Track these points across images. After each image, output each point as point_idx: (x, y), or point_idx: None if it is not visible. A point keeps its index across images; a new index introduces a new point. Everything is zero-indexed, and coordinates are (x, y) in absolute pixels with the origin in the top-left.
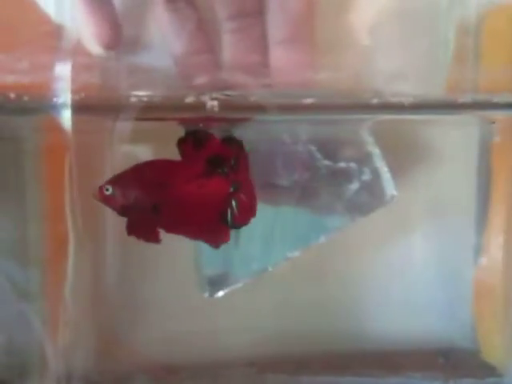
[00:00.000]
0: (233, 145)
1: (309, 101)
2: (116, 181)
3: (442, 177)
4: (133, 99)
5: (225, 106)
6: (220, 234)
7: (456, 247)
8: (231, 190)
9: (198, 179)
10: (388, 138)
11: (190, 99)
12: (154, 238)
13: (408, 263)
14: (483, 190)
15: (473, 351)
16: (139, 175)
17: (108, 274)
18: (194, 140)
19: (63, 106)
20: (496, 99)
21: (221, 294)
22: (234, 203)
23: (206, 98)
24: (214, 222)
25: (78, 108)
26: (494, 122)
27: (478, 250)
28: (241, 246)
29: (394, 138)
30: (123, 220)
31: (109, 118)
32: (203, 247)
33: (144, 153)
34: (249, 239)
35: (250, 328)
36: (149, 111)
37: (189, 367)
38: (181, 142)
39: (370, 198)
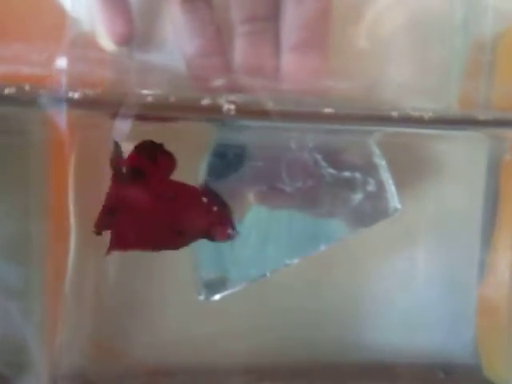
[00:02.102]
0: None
1: (327, 110)
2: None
3: (448, 192)
4: (149, 98)
5: (241, 110)
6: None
7: (461, 263)
8: None
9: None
10: (395, 151)
11: (206, 101)
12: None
13: (411, 276)
14: (490, 206)
15: (474, 367)
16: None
17: (107, 274)
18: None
19: (70, 100)
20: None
21: (217, 297)
22: None
23: (222, 101)
24: None
25: (85, 103)
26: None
27: (483, 267)
28: (235, 250)
29: (402, 150)
30: None
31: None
32: (201, 250)
33: None
34: (243, 243)
35: (248, 334)
36: (163, 111)
37: (184, 372)
38: None
39: (373, 210)
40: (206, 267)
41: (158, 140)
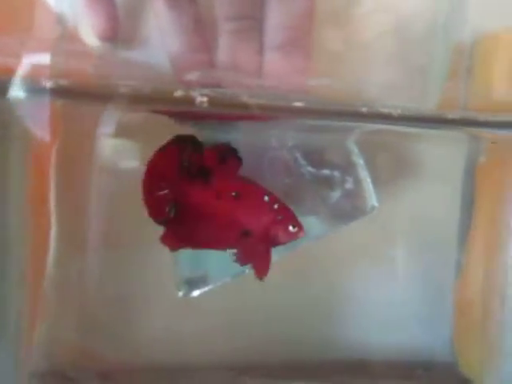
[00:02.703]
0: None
1: (298, 104)
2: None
3: (426, 192)
4: (122, 89)
5: (214, 102)
6: None
7: (438, 262)
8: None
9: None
10: (374, 151)
11: (179, 93)
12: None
13: (390, 275)
14: (467, 207)
15: (451, 364)
16: None
17: (89, 271)
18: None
19: (50, 91)
20: (482, 118)
21: (196, 293)
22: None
23: (195, 94)
24: None
25: (65, 94)
26: (493, 142)
27: (460, 267)
28: (217, 253)
29: (381, 150)
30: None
31: (96, 106)
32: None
33: (132, 146)
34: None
35: (229, 332)
36: (137, 102)
37: (166, 369)
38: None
39: (351, 207)
40: (186, 264)
41: (139, 134)
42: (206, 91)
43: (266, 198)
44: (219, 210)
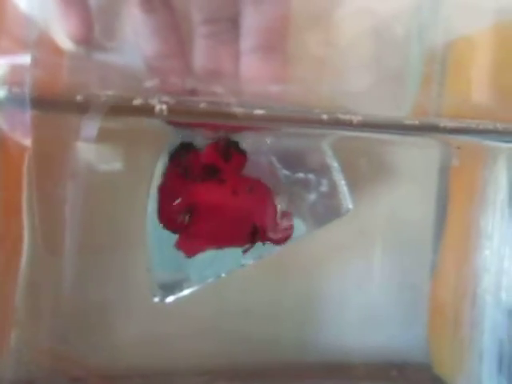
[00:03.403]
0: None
1: (259, 112)
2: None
3: (402, 195)
4: (78, 98)
5: (174, 110)
6: None
7: (413, 263)
8: None
9: None
10: (349, 154)
11: (137, 101)
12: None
13: (365, 277)
14: (441, 209)
15: (425, 365)
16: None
17: (63, 276)
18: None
19: (20, 99)
20: (443, 123)
21: (171, 299)
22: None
23: (154, 101)
24: None
25: (36, 103)
26: (458, 147)
27: (434, 267)
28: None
29: (356, 154)
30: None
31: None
32: (156, 251)
33: (108, 150)
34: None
35: (205, 335)
36: (93, 110)
37: (141, 374)
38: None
39: (327, 209)
40: (161, 268)
41: (115, 138)
42: (165, 98)
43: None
44: (235, 206)
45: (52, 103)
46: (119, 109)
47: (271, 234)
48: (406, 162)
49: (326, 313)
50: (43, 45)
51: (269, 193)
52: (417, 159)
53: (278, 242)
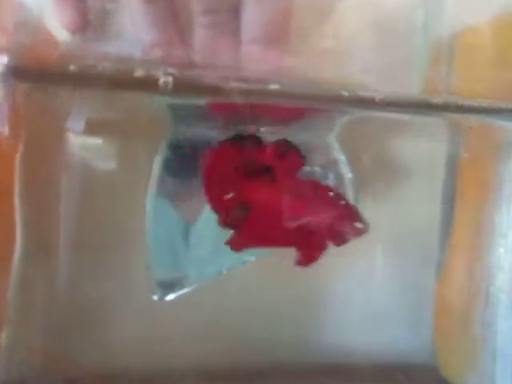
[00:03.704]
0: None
1: (274, 87)
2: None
3: (407, 190)
4: (71, 67)
5: (180, 84)
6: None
7: (419, 262)
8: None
9: None
10: (355, 149)
11: (139, 73)
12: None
13: (369, 276)
14: (448, 206)
15: (431, 367)
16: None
17: (57, 275)
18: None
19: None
20: (467, 103)
21: (170, 297)
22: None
23: (159, 73)
24: None
25: (26, 73)
26: (470, 127)
27: (440, 267)
28: (191, 250)
29: (361, 149)
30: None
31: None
32: (155, 249)
33: (103, 146)
34: (198, 243)
35: (204, 336)
36: (92, 82)
37: (138, 376)
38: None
39: None
40: (160, 266)
41: (110, 131)
42: (170, 70)
43: (331, 194)
44: (285, 207)
45: (43, 73)
46: (118, 82)
47: (328, 237)
48: (410, 157)
49: (328, 312)
50: (36, 32)
51: (327, 194)
52: (422, 154)
53: (337, 243)
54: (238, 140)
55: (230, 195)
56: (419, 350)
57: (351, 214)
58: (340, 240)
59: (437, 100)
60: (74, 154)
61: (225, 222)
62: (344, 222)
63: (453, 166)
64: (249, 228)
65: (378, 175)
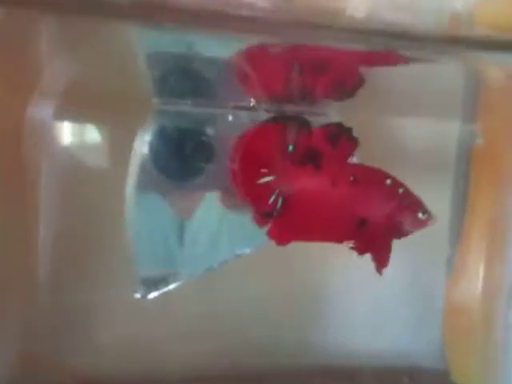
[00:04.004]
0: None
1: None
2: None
3: (415, 182)
4: None
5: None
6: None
7: (427, 260)
8: None
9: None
10: (360, 138)
11: None
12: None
13: (373, 274)
14: (459, 198)
15: (440, 372)
16: None
17: (38, 275)
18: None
19: None
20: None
21: (154, 295)
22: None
23: None
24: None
25: None
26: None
27: (452, 264)
28: (186, 246)
29: (367, 139)
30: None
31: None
32: (138, 244)
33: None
34: (195, 238)
35: (196, 337)
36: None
37: (124, 379)
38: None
39: None
40: (146, 261)
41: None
42: None
43: (388, 182)
44: (334, 197)
45: None
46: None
47: (389, 230)
48: (419, 144)
49: (330, 313)
50: None
51: (383, 180)
52: (432, 143)
53: (398, 236)
54: (283, 121)
55: (269, 179)
56: (428, 354)
57: (413, 204)
58: (401, 233)
59: (463, 32)
60: (53, 140)
61: (259, 209)
62: (405, 212)
63: (465, 155)
64: (291, 219)
65: (382, 165)
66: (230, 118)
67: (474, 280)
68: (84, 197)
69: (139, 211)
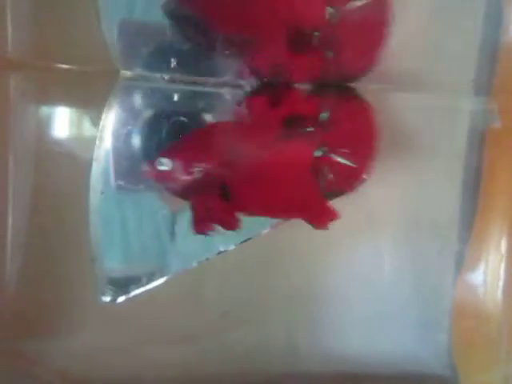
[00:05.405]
0: (325, 96)
1: None
2: (174, 152)
3: (421, 171)
4: None
5: None
6: (321, 210)
7: (434, 256)
8: (318, 153)
9: (276, 144)
10: None
11: None
12: (233, 224)
13: (376, 272)
14: (471, 187)
15: (449, 379)
16: (203, 143)
17: (8, 275)
18: (269, 96)
19: None
20: None
21: (122, 298)
22: (324, 169)
23: None
24: (307, 196)
25: None
26: None
27: (462, 261)
28: (162, 241)
29: None
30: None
31: None
32: (104, 234)
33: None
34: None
35: (181, 341)
36: None
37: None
38: (251, 98)
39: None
40: (113, 257)
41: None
42: None
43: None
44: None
45: None
46: None
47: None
48: (426, 132)
49: (326, 315)
50: None
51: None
52: (440, 128)
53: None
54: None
55: None
56: (434, 359)
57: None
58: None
59: None
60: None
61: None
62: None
63: (479, 139)
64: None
65: (386, 151)
66: (212, 95)
67: (494, 280)
68: (52, 179)
69: (119, 204)
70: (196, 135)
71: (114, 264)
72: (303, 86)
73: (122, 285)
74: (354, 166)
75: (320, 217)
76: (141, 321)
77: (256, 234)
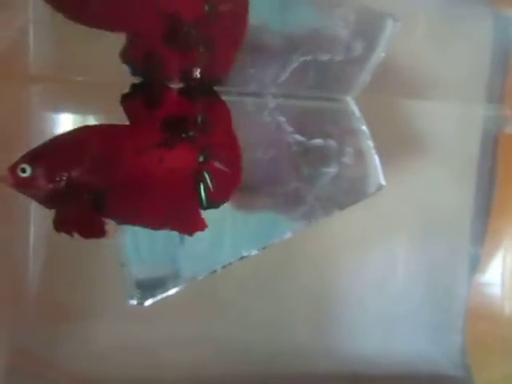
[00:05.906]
0: (197, 97)
1: None
2: (36, 157)
3: (435, 174)
4: None
5: None
6: (193, 220)
7: (448, 258)
8: (200, 159)
9: (156, 150)
10: (376, 122)
11: None
12: (97, 232)
13: (390, 274)
14: (484, 190)
15: (463, 380)
16: (72, 148)
17: (27, 279)
18: (144, 97)
19: None
20: None
21: (149, 301)
22: (206, 176)
23: None
24: (183, 205)
25: None
26: None
27: (476, 263)
28: (186, 245)
29: (384, 125)
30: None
31: None
32: (132, 240)
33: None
34: (195, 239)
35: (195, 343)
36: None
37: None
38: (126, 100)
39: (351, 187)
40: (140, 262)
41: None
42: None
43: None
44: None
45: None
46: None
47: None
48: (441, 136)
49: (341, 316)
50: None
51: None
52: (454, 132)
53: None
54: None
55: None
56: (448, 360)
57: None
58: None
59: None
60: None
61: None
62: None
63: (491, 143)
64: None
65: (400, 153)
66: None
67: (510, 281)
68: None
69: None
70: (62, 139)
71: (141, 269)
72: (176, 86)
73: (150, 289)
74: (229, 172)
75: (190, 227)
76: (159, 322)
77: (278, 239)
